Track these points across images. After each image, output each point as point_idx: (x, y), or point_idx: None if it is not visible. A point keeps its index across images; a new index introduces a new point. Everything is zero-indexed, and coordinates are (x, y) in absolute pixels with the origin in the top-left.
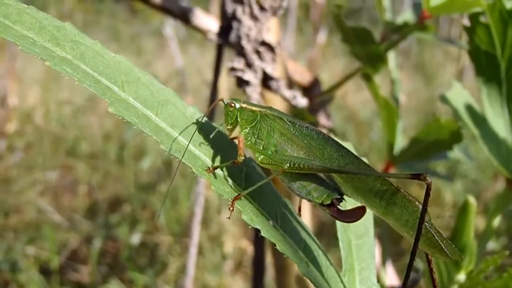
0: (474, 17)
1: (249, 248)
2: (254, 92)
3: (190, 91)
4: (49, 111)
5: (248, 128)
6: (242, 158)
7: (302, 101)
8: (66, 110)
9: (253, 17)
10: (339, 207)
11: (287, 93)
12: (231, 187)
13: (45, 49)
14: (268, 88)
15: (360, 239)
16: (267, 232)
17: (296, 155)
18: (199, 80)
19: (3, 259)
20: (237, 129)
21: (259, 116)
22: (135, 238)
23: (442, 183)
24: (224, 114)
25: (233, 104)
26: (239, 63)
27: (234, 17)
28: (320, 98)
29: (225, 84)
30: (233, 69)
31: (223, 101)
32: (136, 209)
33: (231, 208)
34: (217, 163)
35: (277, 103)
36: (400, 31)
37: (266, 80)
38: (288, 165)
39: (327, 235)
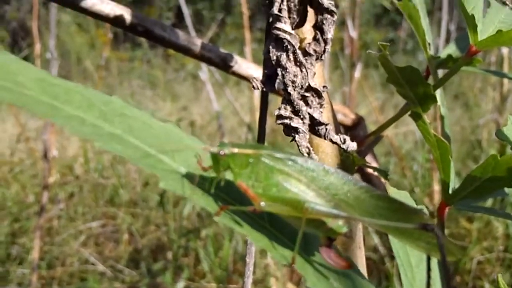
0: None
1: None
2: (303, 139)
3: (227, 132)
4: (88, 161)
5: (244, 172)
6: (263, 204)
7: (352, 145)
8: (105, 159)
9: (298, 63)
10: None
11: (336, 137)
12: (289, 249)
13: (94, 127)
14: (316, 134)
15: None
16: None
17: (297, 191)
18: (235, 121)
19: None
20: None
21: (254, 158)
22: (179, 286)
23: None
24: (213, 163)
25: (223, 153)
26: (286, 111)
27: (278, 64)
28: (370, 139)
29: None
30: (280, 116)
31: (209, 151)
32: (178, 256)
33: (295, 271)
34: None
35: (326, 148)
36: (445, 66)
37: (314, 126)
38: (307, 209)
39: (376, 275)
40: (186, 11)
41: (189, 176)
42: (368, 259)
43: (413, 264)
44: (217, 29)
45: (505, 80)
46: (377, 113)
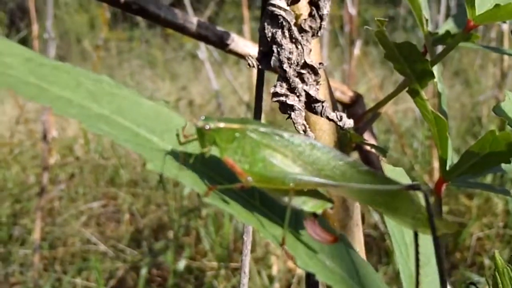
0: None
1: (297, 269)
2: (299, 116)
3: (226, 112)
4: (89, 142)
5: (229, 147)
6: (250, 179)
7: (349, 122)
8: (105, 140)
9: (294, 40)
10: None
11: (333, 115)
12: (280, 227)
13: (82, 108)
14: (313, 111)
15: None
16: (324, 275)
17: (283, 166)
18: (234, 100)
19: None
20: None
21: (240, 132)
22: (181, 264)
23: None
24: (198, 138)
25: (208, 127)
26: (281, 88)
27: (273, 41)
28: (367, 116)
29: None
30: (276, 94)
31: (195, 124)
32: (179, 235)
33: (285, 252)
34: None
35: (323, 125)
36: (443, 42)
37: (310, 103)
38: (292, 184)
39: (376, 252)
40: None
41: (175, 155)
42: (368, 236)
43: (408, 242)
44: (216, 8)
45: (506, 57)
46: (376, 91)
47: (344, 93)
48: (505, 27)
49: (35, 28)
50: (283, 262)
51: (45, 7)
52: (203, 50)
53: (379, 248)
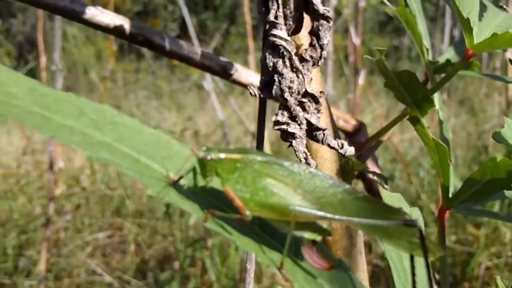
0: None
1: None
2: (300, 144)
3: (232, 142)
4: (95, 172)
5: (231, 177)
6: (249, 214)
7: (350, 150)
8: (111, 170)
9: (295, 69)
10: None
11: (334, 142)
12: (279, 253)
13: (84, 136)
14: (314, 139)
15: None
16: None
17: (284, 195)
18: (240, 131)
19: None
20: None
21: (241, 162)
22: None
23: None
24: (200, 168)
25: (209, 157)
26: (283, 116)
27: (275, 70)
28: (370, 143)
29: (266, 135)
30: (277, 122)
31: (196, 155)
32: (185, 266)
33: (283, 275)
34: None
35: (324, 153)
36: (444, 71)
37: (312, 131)
38: (293, 214)
39: (384, 282)
40: (190, 21)
41: (175, 182)
42: (375, 266)
43: (406, 267)
44: (222, 39)
45: (510, 85)
46: (381, 120)
47: (347, 122)
48: (510, 55)
49: (43, 60)
50: None
51: (53, 40)
52: (208, 81)
53: (386, 278)
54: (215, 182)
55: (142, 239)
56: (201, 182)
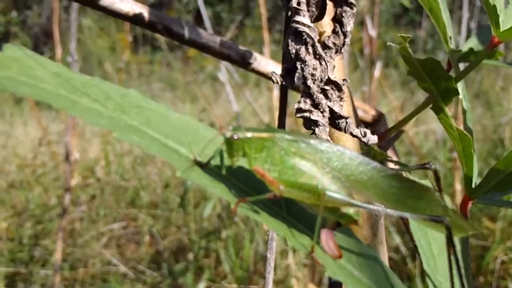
0: None
1: None
2: (323, 132)
3: None
4: (110, 163)
5: (259, 156)
6: (282, 188)
7: (373, 138)
8: (126, 162)
9: (317, 56)
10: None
11: (357, 131)
12: (309, 238)
13: (111, 119)
14: (336, 127)
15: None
16: (352, 284)
17: (313, 173)
18: (255, 122)
19: None
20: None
21: (269, 141)
22: (200, 286)
23: None
24: (226, 148)
25: (237, 137)
26: (305, 104)
27: (297, 57)
28: (390, 133)
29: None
30: (299, 110)
31: (223, 135)
32: (199, 257)
33: (315, 260)
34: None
35: (346, 142)
36: (467, 60)
37: (334, 119)
38: (324, 197)
39: (398, 276)
40: (205, 13)
41: (204, 165)
42: (389, 259)
43: (435, 253)
44: (236, 31)
45: None
46: (397, 112)
47: (367, 112)
48: None
49: (58, 51)
50: (303, 284)
51: (68, 32)
52: (223, 72)
53: (400, 272)
54: (241, 164)
55: (157, 230)
56: (227, 162)
